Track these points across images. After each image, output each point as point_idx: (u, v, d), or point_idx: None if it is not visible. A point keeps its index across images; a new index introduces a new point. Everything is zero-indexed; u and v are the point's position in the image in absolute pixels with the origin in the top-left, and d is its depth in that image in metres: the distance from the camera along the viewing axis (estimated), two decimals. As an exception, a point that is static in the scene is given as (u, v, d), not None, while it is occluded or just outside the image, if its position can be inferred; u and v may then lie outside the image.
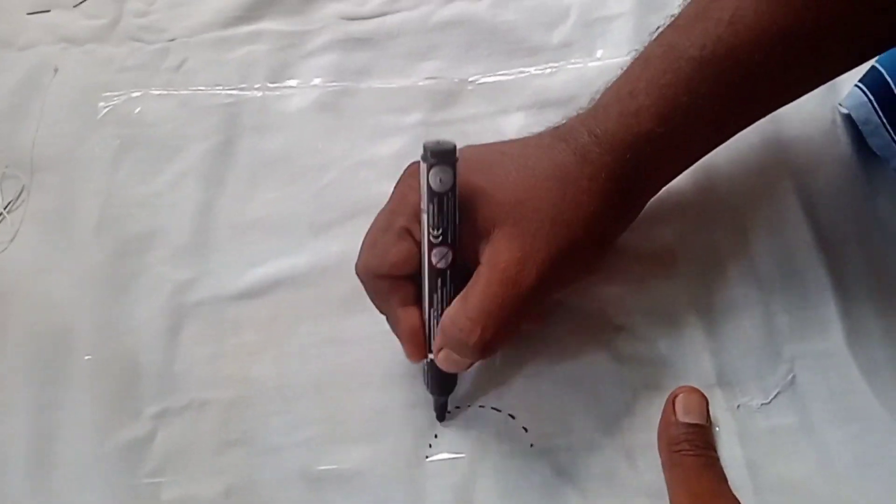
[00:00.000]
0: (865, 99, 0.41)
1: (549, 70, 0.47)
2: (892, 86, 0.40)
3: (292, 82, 0.48)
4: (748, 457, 0.39)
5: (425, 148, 0.34)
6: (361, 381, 0.41)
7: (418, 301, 0.37)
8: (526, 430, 0.40)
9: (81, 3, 0.50)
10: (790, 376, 0.40)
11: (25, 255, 0.44)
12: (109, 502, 0.40)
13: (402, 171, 0.43)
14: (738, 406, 0.40)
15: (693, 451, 0.38)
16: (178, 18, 0.49)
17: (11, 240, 0.44)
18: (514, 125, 0.46)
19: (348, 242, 0.43)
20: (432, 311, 0.37)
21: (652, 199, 0.43)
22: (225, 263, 0.44)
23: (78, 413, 0.41)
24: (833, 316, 0.40)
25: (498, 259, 0.34)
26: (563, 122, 0.37)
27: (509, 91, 0.47)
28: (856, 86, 0.42)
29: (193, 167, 0.45)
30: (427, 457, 0.40)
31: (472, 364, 0.36)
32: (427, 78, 0.47)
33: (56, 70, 0.48)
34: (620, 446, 0.40)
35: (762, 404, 0.40)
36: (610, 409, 0.40)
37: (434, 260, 0.35)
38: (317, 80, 0.48)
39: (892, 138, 0.41)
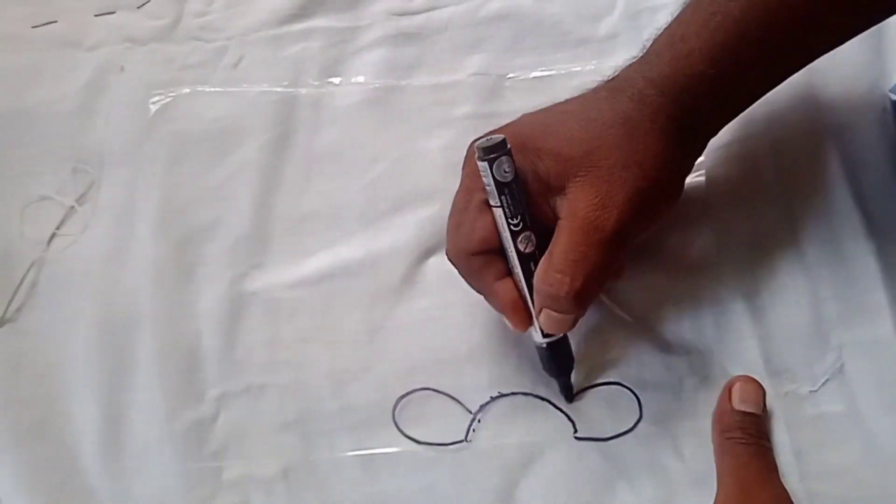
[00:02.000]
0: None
1: (592, 65, 0.47)
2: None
3: (343, 78, 0.49)
4: (795, 444, 0.39)
5: (479, 149, 0.35)
6: (411, 367, 0.43)
7: (510, 273, 0.38)
8: (570, 418, 0.41)
9: (145, 4, 0.52)
10: (838, 364, 0.40)
11: (95, 245, 0.46)
12: (175, 481, 0.42)
13: (448, 163, 0.44)
14: (786, 393, 0.40)
15: (745, 440, 0.38)
16: (235, 17, 0.51)
17: (83, 231, 0.47)
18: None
19: (398, 233, 0.45)
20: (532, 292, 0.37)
21: (698, 186, 0.43)
22: (281, 253, 0.45)
23: (145, 396, 0.43)
24: (882, 303, 0.40)
25: (576, 209, 0.35)
26: (616, 73, 0.38)
27: (556, 84, 0.47)
28: (908, 72, 0.41)
29: (250, 161, 0.47)
30: (472, 442, 0.41)
31: (574, 320, 0.37)
32: (473, 74, 0.48)
33: (122, 69, 0.50)
34: (666, 434, 0.41)
35: (810, 391, 0.40)
36: (656, 397, 0.41)
37: (521, 247, 0.37)
38: (367, 76, 0.49)
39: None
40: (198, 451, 0.42)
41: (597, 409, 0.41)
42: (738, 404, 0.39)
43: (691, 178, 0.43)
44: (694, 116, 0.36)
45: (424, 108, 0.48)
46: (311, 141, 0.48)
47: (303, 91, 0.49)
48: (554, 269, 0.35)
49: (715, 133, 0.39)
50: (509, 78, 0.48)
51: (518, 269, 0.37)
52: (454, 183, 0.45)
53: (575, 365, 0.41)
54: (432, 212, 0.45)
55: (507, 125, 0.38)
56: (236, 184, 0.47)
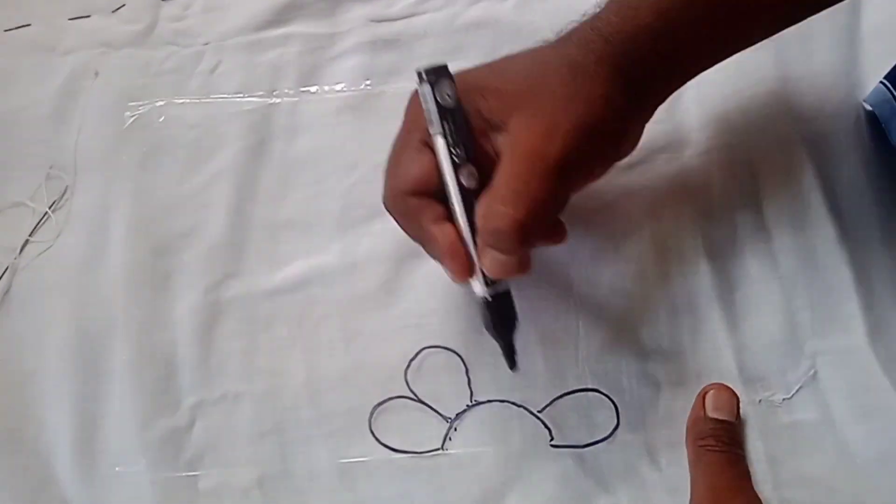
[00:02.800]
0: (889, 95, 0.41)
1: None
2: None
3: (321, 85, 0.49)
4: (769, 451, 0.40)
5: (420, 72, 0.34)
6: (388, 375, 0.42)
7: (450, 219, 0.36)
8: (547, 426, 0.41)
9: (120, 7, 0.51)
10: (812, 372, 0.40)
11: (69, 252, 0.46)
12: (150, 490, 0.41)
13: None
14: (760, 401, 0.40)
15: (718, 447, 0.38)
16: (212, 23, 0.51)
17: (56, 237, 0.46)
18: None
19: (375, 240, 0.45)
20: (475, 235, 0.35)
21: (676, 194, 0.43)
22: (257, 261, 0.45)
23: (120, 404, 0.43)
24: (855, 312, 0.40)
25: (518, 140, 0.34)
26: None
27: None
28: (880, 82, 0.42)
29: (226, 169, 0.47)
30: (448, 450, 0.41)
31: (519, 264, 0.34)
32: None
33: (96, 74, 0.50)
34: (643, 442, 0.41)
35: (784, 399, 0.40)
36: (632, 404, 0.41)
37: (464, 181, 0.35)
38: (345, 82, 0.49)
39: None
40: (173, 460, 0.42)
41: (573, 416, 0.41)
42: (711, 412, 0.39)
43: (667, 184, 0.44)
44: (639, 69, 0.35)
45: (402, 116, 0.48)
46: (287, 148, 0.47)
47: (280, 99, 0.49)
48: (496, 202, 0.33)
49: (664, 97, 0.38)
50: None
51: (461, 208, 0.35)
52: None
53: (554, 368, 0.41)
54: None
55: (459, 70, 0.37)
56: (212, 191, 0.46)
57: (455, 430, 0.42)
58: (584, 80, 0.35)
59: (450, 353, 0.43)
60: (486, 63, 0.38)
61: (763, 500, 0.37)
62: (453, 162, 0.35)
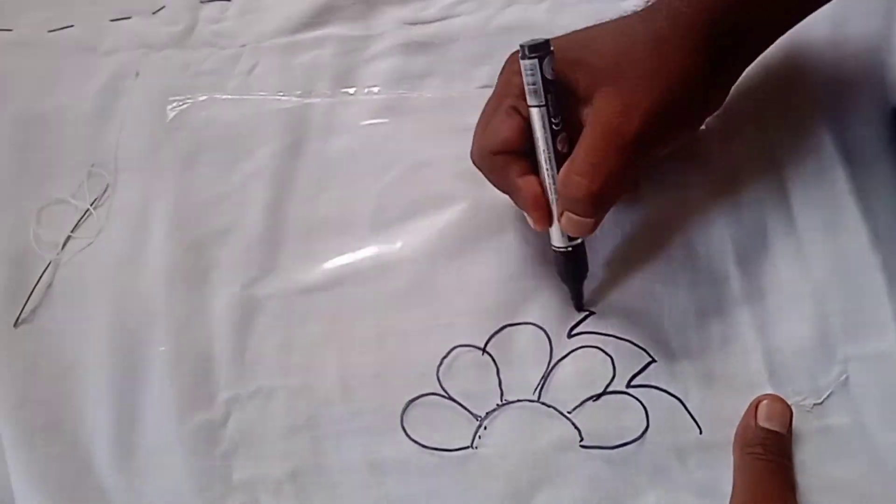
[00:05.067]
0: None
1: None
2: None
3: (356, 87, 0.50)
4: (799, 457, 0.40)
5: (525, 47, 0.37)
6: (419, 372, 0.43)
7: (535, 172, 0.39)
8: (576, 426, 0.41)
9: (160, 9, 0.53)
10: (843, 377, 0.40)
11: (110, 248, 0.47)
12: (186, 481, 0.42)
13: (458, 172, 0.45)
14: (791, 406, 0.40)
15: (765, 456, 0.38)
16: (250, 24, 0.52)
17: (97, 234, 0.47)
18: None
19: (408, 239, 0.46)
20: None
21: (706, 198, 0.44)
22: (293, 259, 0.46)
23: (158, 397, 0.44)
24: (888, 318, 0.40)
25: (600, 116, 0.36)
26: None
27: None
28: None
29: (263, 168, 0.48)
30: (478, 449, 0.42)
31: (594, 225, 0.38)
32: (482, 86, 0.48)
33: (137, 74, 0.51)
34: (672, 444, 0.41)
35: (815, 405, 0.40)
36: (661, 406, 0.41)
37: (560, 146, 0.38)
38: (379, 84, 0.49)
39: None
40: (208, 452, 0.43)
41: (603, 417, 0.42)
42: (762, 421, 0.39)
43: (696, 188, 0.44)
44: (729, 37, 0.37)
45: (436, 117, 0.48)
46: (323, 148, 0.48)
47: (316, 100, 0.49)
48: (574, 172, 0.37)
49: (751, 60, 0.40)
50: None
51: (553, 170, 0.39)
52: (465, 191, 0.46)
53: (583, 369, 0.42)
54: (442, 219, 0.46)
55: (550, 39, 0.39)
56: (249, 189, 0.47)
57: (485, 428, 0.42)
58: (669, 53, 0.36)
59: (481, 352, 0.43)
60: (579, 32, 0.40)
61: None
62: (552, 130, 0.38)
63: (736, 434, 0.40)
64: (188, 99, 0.50)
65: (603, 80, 0.37)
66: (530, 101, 0.38)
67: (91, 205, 0.48)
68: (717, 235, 0.44)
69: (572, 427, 0.42)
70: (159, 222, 0.47)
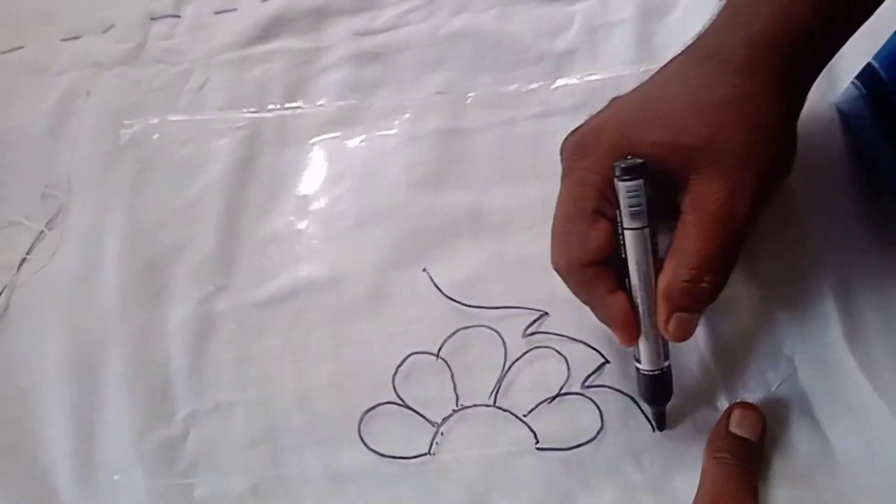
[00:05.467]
0: (858, 94, 0.42)
1: (553, 86, 0.48)
2: (885, 80, 0.40)
3: (307, 99, 0.50)
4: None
5: (623, 167, 0.34)
6: (376, 381, 0.43)
7: (622, 286, 0.37)
8: (532, 429, 0.42)
9: (110, 28, 0.52)
10: (791, 371, 0.41)
11: (65, 269, 0.47)
12: (147, 499, 0.43)
13: (411, 180, 0.46)
14: (740, 401, 0.41)
15: (731, 461, 0.38)
16: (200, 40, 0.52)
17: (52, 255, 0.47)
18: (524, 133, 0.47)
19: (362, 250, 0.46)
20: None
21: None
22: (247, 274, 0.46)
23: (116, 416, 0.44)
24: (833, 311, 0.41)
25: (705, 202, 0.33)
26: (697, 39, 0.37)
27: (518, 100, 0.48)
28: (851, 82, 0.42)
29: (215, 184, 0.48)
30: (436, 455, 0.42)
31: (698, 318, 0.36)
32: (436, 93, 0.49)
33: (88, 93, 0.51)
34: (626, 443, 0.41)
35: (764, 399, 0.41)
36: (616, 406, 0.42)
37: (653, 261, 0.36)
38: (330, 96, 0.50)
39: (881, 131, 0.41)
40: (168, 469, 0.43)
41: (558, 419, 0.42)
42: (734, 427, 0.39)
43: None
44: (799, 70, 0.35)
45: (388, 127, 0.49)
46: (275, 162, 0.48)
47: (267, 114, 0.50)
48: (689, 266, 0.34)
49: (814, 80, 0.37)
50: (471, 95, 0.49)
51: (646, 287, 0.36)
52: (417, 199, 0.46)
53: (538, 372, 0.42)
54: (395, 228, 0.46)
55: (602, 116, 0.37)
56: (202, 206, 0.48)
57: (442, 434, 0.42)
58: (758, 116, 0.34)
59: (436, 358, 0.43)
60: (641, 100, 0.36)
61: None
62: (653, 249, 0.36)
63: (708, 439, 0.40)
64: (140, 121, 0.50)
65: (698, 161, 0.33)
66: (629, 223, 0.35)
67: (45, 226, 0.48)
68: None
69: (528, 430, 0.42)
70: (113, 241, 0.47)
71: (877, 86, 0.40)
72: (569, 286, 0.38)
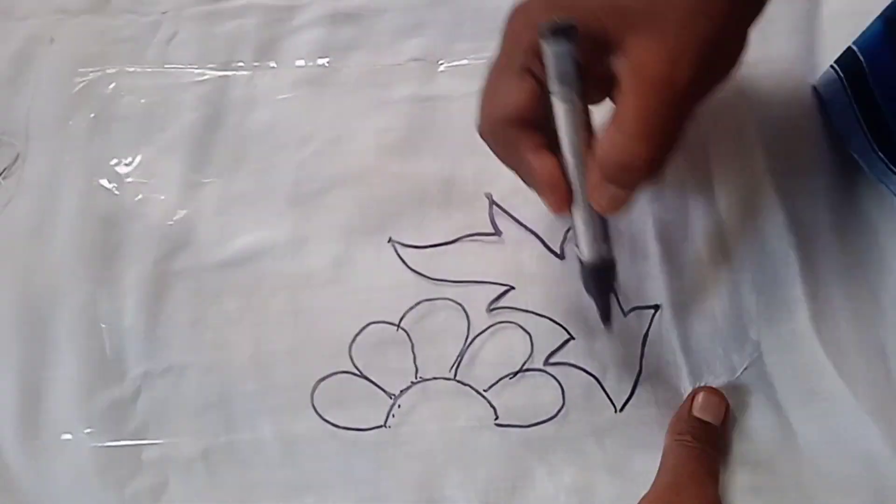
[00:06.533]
0: (836, 77, 0.41)
1: None
2: (864, 64, 0.39)
3: (279, 59, 0.48)
4: (712, 434, 0.40)
5: (550, 28, 0.30)
6: (335, 350, 0.42)
7: (550, 148, 0.33)
8: (492, 405, 0.41)
9: (78, -27, 0.50)
10: (756, 355, 0.40)
11: (19, 220, 0.45)
12: (94, 459, 0.42)
13: (381, 145, 0.45)
14: (705, 384, 0.40)
15: (693, 443, 0.38)
16: (171, -9, 0.50)
17: (6, 205, 0.46)
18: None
19: (326, 215, 0.45)
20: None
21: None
22: (208, 234, 0.45)
23: (64, 373, 0.43)
24: (800, 296, 0.40)
25: (643, 65, 0.31)
26: None
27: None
28: (830, 66, 0.42)
29: (178, 141, 0.46)
30: (392, 427, 0.41)
31: (633, 194, 0.33)
32: (411, 59, 0.47)
33: (52, 40, 0.49)
34: (587, 422, 0.41)
35: (728, 382, 0.40)
36: (578, 384, 0.41)
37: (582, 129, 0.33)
38: (303, 56, 0.48)
39: (858, 117, 0.40)
40: (118, 429, 0.42)
41: (519, 395, 0.41)
42: (696, 411, 0.39)
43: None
44: None
45: (361, 91, 0.47)
46: (242, 122, 0.47)
47: (237, 73, 0.48)
48: (625, 135, 0.31)
49: None
50: (443, 63, 0.48)
51: (577, 153, 0.33)
52: (385, 165, 0.45)
53: (502, 348, 0.41)
54: (363, 194, 0.45)
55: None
56: (164, 162, 0.46)
57: (399, 406, 0.42)
58: None
59: (397, 329, 0.42)
60: None
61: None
62: (582, 117, 0.33)
63: (670, 423, 0.40)
64: (97, 70, 0.48)
65: (636, 22, 0.31)
66: (557, 88, 0.32)
67: (0, 174, 0.46)
68: (640, 212, 0.43)
69: (488, 405, 0.41)
70: (71, 194, 0.45)
71: (855, 70, 0.40)
72: (492, 149, 0.35)
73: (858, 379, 0.39)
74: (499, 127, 0.34)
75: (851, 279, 0.41)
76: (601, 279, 0.38)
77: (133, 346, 0.43)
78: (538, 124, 0.33)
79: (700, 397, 0.39)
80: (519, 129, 0.33)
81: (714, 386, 0.40)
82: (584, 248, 0.36)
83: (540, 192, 0.34)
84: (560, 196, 0.34)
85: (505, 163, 0.35)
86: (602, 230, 0.36)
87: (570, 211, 0.34)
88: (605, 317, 0.40)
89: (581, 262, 0.37)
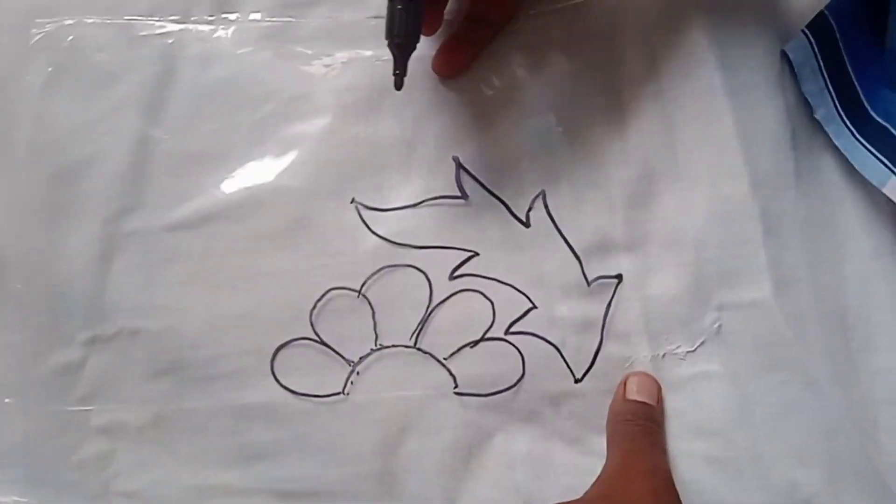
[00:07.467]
0: (807, 42, 0.40)
1: None
2: (836, 29, 0.39)
3: (238, 13, 0.46)
4: (670, 404, 0.40)
5: None
6: (291, 315, 0.41)
7: None
8: (451, 373, 0.40)
9: (26, -80, 0.48)
10: (717, 325, 0.40)
11: (-38, 177, 0.43)
12: (40, 425, 0.41)
13: (342, 105, 0.43)
14: (664, 355, 0.40)
15: (634, 421, 0.38)
16: (125, -61, 0.47)
17: (-52, 161, 0.44)
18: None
19: (284, 176, 0.43)
20: None
21: (595, 141, 0.42)
22: (160, 194, 0.43)
23: (9, 338, 0.42)
24: (762, 266, 0.39)
25: None
26: None
27: (454, 27, 0.45)
28: (801, 30, 0.41)
29: (131, 96, 0.44)
30: (350, 395, 0.40)
31: None
32: (373, 16, 0.46)
33: (1, -12, 0.46)
34: (546, 391, 0.41)
35: (687, 352, 0.40)
36: (538, 354, 0.41)
37: None
38: (263, 11, 0.46)
39: (826, 83, 0.40)
40: (64, 396, 0.41)
41: (479, 364, 0.41)
42: (630, 395, 0.39)
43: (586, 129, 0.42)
44: None
45: (321, 48, 0.45)
46: (198, 77, 0.45)
47: (197, 26, 0.46)
48: None
49: None
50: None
51: None
52: (345, 127, 0.44)
53: (461, 317, 0.41)
54: (321, 156, 0.43)
55: None
56: (116, 119, 0.44)
57: (357, 374, 0.41)
58: None
59: (356, 295, 0.41)
60: None
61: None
62: None
63: (608, 411, 0.40)
64: (54, 21, 0.46)
65: None
66: None
67: (-60, 130, 0.44)
68: (604, 179, 0.42)
69: (447, 374, 0.41)
70: (17, 150, 0.43)
71: (827, 35, 0.39)
72: None
73: (818, 350, 0.39)
74: None
75: (814, 249, 0.40)
76: (405, 21, 0.36)
77: (81, 310, 0.42)
78: None
79: (631, 382, 0.39)
80: None
81: (675, 353, 0.40)
82: None
83: None
84: None
85: None
86: None
87: None
88: (402, 73, 0.38)
89: (390, 3, 0.36)
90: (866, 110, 0.39)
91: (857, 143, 0.39)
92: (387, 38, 0.37)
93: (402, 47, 0.38)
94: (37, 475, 0.41)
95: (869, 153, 0.39)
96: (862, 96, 0.39)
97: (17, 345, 0.41)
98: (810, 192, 0.41)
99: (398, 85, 0.38)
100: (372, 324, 0.41)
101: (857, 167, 0.40)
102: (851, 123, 0.39)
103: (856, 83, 0.39)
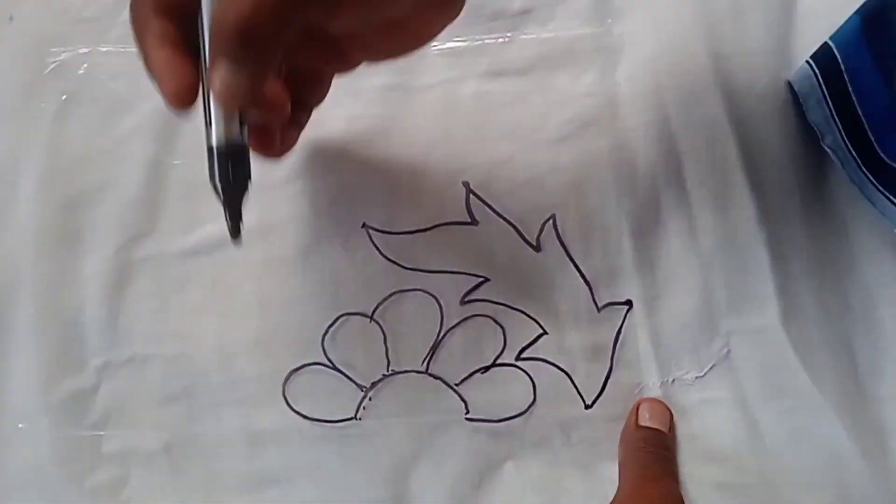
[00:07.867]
0: (811, 72, 0.41)
1: (502, 40, 0.46)
2: (840, 59, 0.39)
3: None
4: (680, 429, 0.40)
5: None
6: (303, 341, 0.41)
7: (182, 44, 0.31)
8: (463, 399, 0.41)
9: (40, -51, 0.48)
10: (725, 351, 0.40)
11: (-26, 205, 0.44)
12: (52, 451, 0.41)
13: (352, 132, 0.43)
14: (673, 380, 0.40)
15: (647, 448, 0.38)
16: (136, -31, 0.48)
17: (-39, 189, 0.44)
18: (470, 92, 0.45)
19: (294, 202, 0.43)
20: None
21: (603, 169, 0.43)
22: (173, 220, 0.43)
23: (23, 363, 0.42)
24: (770, 292, 0.40)
25: None
26: None
27: (465, 58, 0.46)
28: (806, 61, 0.41)
29: (144, 123, 0.44)
30: (362, 420, 0.41)
31: (251, 84, 0.30)
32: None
33: (11, 18, 0.47)
34: (556, 417, 0.41)
35: (696, 377, 0.40)
36: (549, 380, 0.41)
37: None
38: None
39: (831, 113, 0.40)
40: (77, 421, 0.41)
41: (490, 390, 0.41)
42: (643, 421, 0.39)
43: (594, 159, 0.43)
44: None
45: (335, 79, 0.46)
46: (209, 104, 0.45)
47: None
48: (220, 6, 0.28)
49: None
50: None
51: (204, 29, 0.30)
52: (356, 153, 0.44)
53: (471, 342, 0.41)
54: (332, 181, 0.44)
55: None
56: (129, 146, 0.44)
57: (370, 399, 0.41)
58: None
59: (368, 320, 0.42)
60: None
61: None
62: None
63: (620, 438, 0.40)
64: (69, 50, 0.46)
65: None
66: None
67: (-43, 157, 0.44)
68: (613, 207, 0.43)
69: (459, 399, 0.41)
70: (30, 177, 0.44)
71: (831, 66, 0.40)
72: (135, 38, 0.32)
73: (826, 376, 0.39)
74: (138, 7, 0.31)
75: (821, 276, 0.41)
76: (234, 166, 0.33)
77: (93, 336, 0.42)
78: (183, 17, 0.31)
79: (643, 408, 0.40)
80: (154, 13, 0.30)
81: (684, 379, 0.40)
82: (215, 127, 0.32)
83: (158, 85, 0.31)
84: (174, 82, 0.30)
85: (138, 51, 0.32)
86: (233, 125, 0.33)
87: (187, 105, 0.31)
88: (235, 224, 0.35)
89: (210, 150, 0.33)
90: (875, 151, 0.39)
91: (862, 172, 0.40)
92: (210, 180, 0.34)
93: (230, 197, 0.34)
94: (49, 500, 0.40)
95: (882, 194, 0.40)
96: (871, 136, 0.39)
97: (31, 370, 0.41)
98: (816, 219, 0.42)
99: (234, 233, 0.35)
100: (384, 349, 0.41)
101: (863, 196, 0.40)
102: (857, 153, 0.40)
103: (863, 119, 0.39)
